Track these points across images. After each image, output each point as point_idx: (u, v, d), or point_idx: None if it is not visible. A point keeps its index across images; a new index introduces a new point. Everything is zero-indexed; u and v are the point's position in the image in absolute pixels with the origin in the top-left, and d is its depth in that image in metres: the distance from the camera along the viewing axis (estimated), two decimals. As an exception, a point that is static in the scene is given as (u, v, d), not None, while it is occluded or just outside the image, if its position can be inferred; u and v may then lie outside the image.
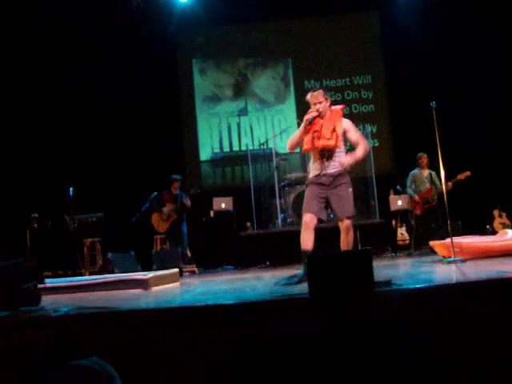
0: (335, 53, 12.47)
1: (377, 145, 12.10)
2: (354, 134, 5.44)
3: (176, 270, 6.85)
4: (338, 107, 5.53)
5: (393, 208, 9.84)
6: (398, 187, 10.22)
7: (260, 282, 5.72)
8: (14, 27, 10.37)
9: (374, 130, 12.17)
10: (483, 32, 10.62)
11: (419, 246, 9.04)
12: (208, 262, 9.87)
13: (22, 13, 10.32)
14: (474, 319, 3.46)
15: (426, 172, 9.20)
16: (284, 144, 5.80)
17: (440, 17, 10.95)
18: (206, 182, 12.42)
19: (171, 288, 6.05)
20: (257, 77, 12.76)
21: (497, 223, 10.11)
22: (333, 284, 3.56)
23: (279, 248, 8.65)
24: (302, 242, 5.25)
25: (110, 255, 8.20)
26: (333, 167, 5.34)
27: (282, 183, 9.66)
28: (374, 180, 10.15)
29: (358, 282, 3.57)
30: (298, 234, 5.39)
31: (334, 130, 5.27)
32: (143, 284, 5.77)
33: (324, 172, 5.33)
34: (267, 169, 10.59)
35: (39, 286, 4.61)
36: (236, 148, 12.45)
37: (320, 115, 5.35)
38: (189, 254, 9.68)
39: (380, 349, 3.30)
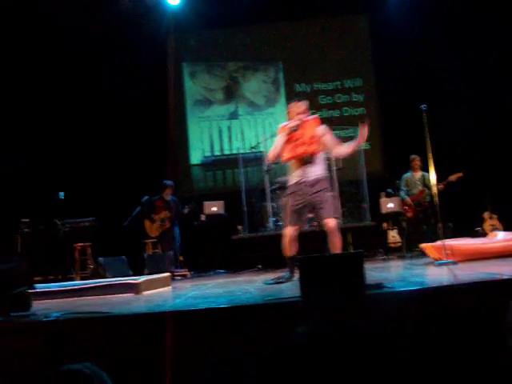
0: (326, 56, 12.48)
1: (368, 148, 12.12)
2: (330, 137, 5.74)
3: (168, 274, 6.84)
4: (313, 116, 5.78)
5: (384, 210, 9.85)
6: (389, 190, 10.25)
7: (252, 286, 5.71)
8: None
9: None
10: (473, 34, 10.66)
11: (411, 248, 9.06)
12: (200, 266, 9.86)
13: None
14: (465, 321, 3.46)
15: (419, 174, 9.23)
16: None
17: (429, 19, 10.98)
18: (197, 185, 12.40)
19: (163, 292, 6.04)
20: (247, 80, 12.76)
21: (487, 225, 10.14)
22: (324, 287, 3.56)
23: (271, 251, 8.63)
24: (285, 250, 5.59)
25: (101, 260, 8.18)
26: (313, 174, 5.57)
27: (273, 186, 9.66)
28: (366, 183, 10.18)
29: (349, 285, 3.57)
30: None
31: (313, 137, 5.55)
32: (135, 288, 5.75)
33: (305, 179, 5.55)
34: (258, 172, 10.59)
35: (30, 291, 4.58)
36: (227, 152, 12.44)
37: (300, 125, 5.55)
38: (180, 257, 9.66)
39: (371, 351, 3.30)
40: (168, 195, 9.61)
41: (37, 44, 10.86)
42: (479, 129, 10.54)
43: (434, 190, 6.73)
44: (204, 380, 3.43)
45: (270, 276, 6.38)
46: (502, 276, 4.05)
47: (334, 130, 10.62)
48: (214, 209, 10.00)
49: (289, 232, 5.57)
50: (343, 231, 9.03)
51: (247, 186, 10.52)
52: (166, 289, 6.34)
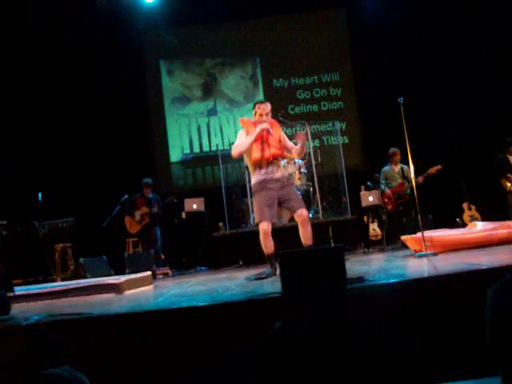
0: (303, 51, 12.49)
1: (347, 141, 12.17)
2: (288, 141, 5.98)
3: (149, 272, 6.82)
4: (273, 120, 5.99)
5: (364, 204, 9.88)
6: (369, 183, 10.29)
7: (234, 283, 5.71)
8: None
9: (344, 127, 12.23)
10: (450, 26, 10.74)
11: (391, 240, 9.11)
12: (181, 264, 9.84)
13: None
14: (446, 312, 3.49)
15: (398, 167, 9.27)
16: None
17: (406, 13, 11.03)
18: (176, 183, 12.36)
19: (144, 291, 6.02)
20: (225, 76, 12.73)
21: (466, 216, 10.23)
22: (305, 281, 3.57)
23: (252, 247, 8.61)
24: (264, 247, 5.68)
25: (81, 260, 8.12)
26: (278, 172, 5.78)
27: (253, 182, 9.65)
28: (345, 176, 10.23)
29: (330, 279, 3.58)
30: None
31: (280, 141, 5.79)
32: (116, 288, 5.72)
33: (271, 176, 5.72)
34: (238, 169, 10.58)
35: (8, 294, 4.54)
36: (206, 149, 12.41)
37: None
38: (162, 256, 9.63)
39: (354, 345, 3.32)
40: (148, 193, 9.59)
41: (14, 44, 10.74)
42: (457, 120, 10.62)
43: (413, 182, 6.77)
44: (188, 379, 3.42)
45: (252, 272, 6.40)
46: (481, 266, 4.08)
47: (312, 124, 10.74)
48: (195, 206, 9.96)
49: (263, 227, 5.63)
50: (324, 225, 9.14)
51: (227, 182, 10.52)
52: (147, 288, 6.32)
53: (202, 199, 10.06)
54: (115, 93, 10.95)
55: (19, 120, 10.84)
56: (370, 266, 6.37)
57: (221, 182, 10.51)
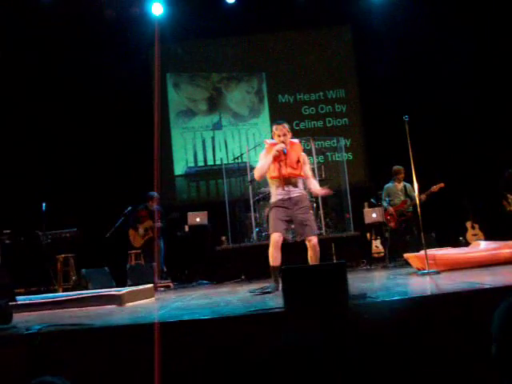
0: (309, 67, 12.54)
1: (351, 158, 12.18)
2: (308, 167, 6.04)
3: (151, 285, 6.80)
4: (296, 140, 6.08)
5: (367, 221, 9.89)
6: (373, 200, 10.30)
7: (235, 297, 5.70)
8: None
9: (348, 144, 12.26)
10: (456, 44, 10.76)
11: (394, 258, 9.09)
12: (183, 277, 9.83)
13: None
14: (448, 330, 3.48)
15: (401, 185, 9.27)
16: (258, 158, 6.00)
17: (412, 29, 11.08)
18: (180, 196, 12.38)
19: (146, 303, 6.00)
20: (231, 91, 12.78)
21: (470, 235, 10.22)
22: (308, 297, 3.56)
23: (254, 262, 8.62)
24: (271, 258, 5.71)
25: (83, 271, 8.12)
26: (296, 192, 5.83)
27: (257, 197, 9.67)
28: (349, 193, 10.22)
29: (332, 295, 3.58)
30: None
31: (298, 161, 5.82)
32: (117, 300, 5.71)
33: (288, 196, 5.79)
34: (242, 183, 10.59)
35: (11, 303, 4.53)
36: (211, 162, 12.44)
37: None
38: (165, 269, 9.62)
39: (355, 361, 3.30)
40: (152, 206, 9.60)
41: (18, 54, 10.81)
42: (461, 139, 10.64)
43: (417, 200, 6.77)
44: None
45: (254, 287, 6.39)
46: (484, 285, 4.07)
47: (317, 140, 10.76)
48: (198, 220, 9.97)
49: (274, 238, 5.70)
50: (327, 241, 9.13)
51: (231, 196, 10.53)
52: (149, 300, 6.30)
53: (205, 213, 10.07)
54: (121, 105, 11.01)
55: (25, 130, 10.89)
56: (373, 282, 6.36)
57: (224, 195, 10.51)
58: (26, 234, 9.67)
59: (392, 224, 9.18)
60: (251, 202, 9.66)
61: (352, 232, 9.79)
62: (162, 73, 12.59)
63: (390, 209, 9.18)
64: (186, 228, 10.28)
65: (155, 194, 9.66)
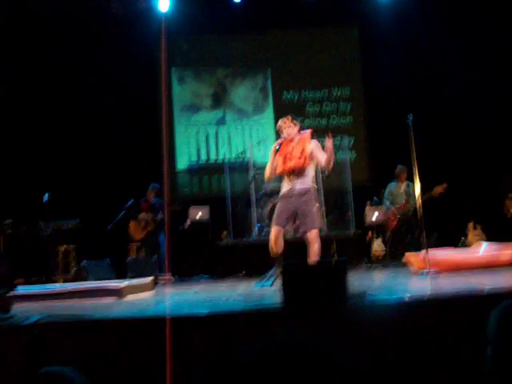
0: (314, 64, 12.50)
1: (354, 156, 12.16)
2: (319, 153, 6.04)
3: (151, 278, 6.81)
4: (307, 131, 6.20)
5: (369, 220, 9.87)
6: (375, 199, 10.28)
7: (235, 292, 5.71)
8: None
9: (352, 142, 12.23)
10: (462, 46, 10.74)
11: (395, 258, 9.08)
12: (183, 271, 9.82)
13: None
14: (447, 331, 3.48)
15: (404, 185, 9.25)
16: (262, 154, 6.20)
17: (419, 30, 11.05)
18: (182, 191, 12.36)
19: (146, 297, 6.01)
20: (236, 87, 12.75)
21: (471, 236, 10.18)
22: (307, 295, 3.56)
23: (255, 258, 8.62)
24: (271, 249, 5.92)
25: (84, 263, 8.13)
26: (302, 184, 5.98)
27: (259, 193, 9.66)
28: (351, 191, 10.21)
29: (332, 294, 3.58)
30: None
31: (303, 151, 5.95)
32: (117, 293, 5.71)
33: (294, 187, 5.97)
34: (244, 179, 10.58)
35: (10, 293, 4.54)
36: (214, 157, 12.42)
37: (289, 139, 6.05)
38: (165, 262, 9.61)
39: (353, 361, 3.30)
40: (151, 198, 9.60)
41: (25, 49, 10.81)
42: (465, 139, 10.62)
43: (419, 200, 6.76)
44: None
45: (254, 283, 6.40)
46: (484, 287, 4.07)
47: (320, 138, 10.75)
48: (199, 214, 9.96)
49: (274, 231, 5.93)
50: (328, 240, 9.12)
51: (233, 192, 10.51)
52: (149, 293, 6.31)
53: (207, 208, 10.06)
54: (125, 98, 11.01)
55: (29, 121, 10.90)
56: (373, 282, 6.36)
57: (227, 191, 10.51)
58: (28, 224, 9.68)
59: (393, 224, 9.18)
60: (253, 197, 9.65)
61: (353, 231, 9.78)
62: (167, 67, 12.56)
63: (392, 208, 9.17)
64: (188, 222, 10.27)
65: (156, 185, 9.66)
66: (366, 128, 12.36)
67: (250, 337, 3.39)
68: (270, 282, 5.90)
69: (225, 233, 10.17)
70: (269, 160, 6.22)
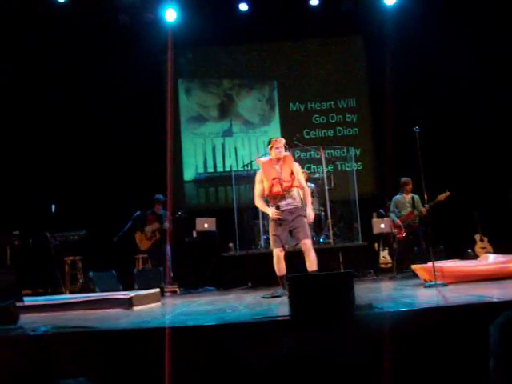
0: (320, 76, 12.53)
1: (360, 168, 12.16)
2: (301, 177, 6.56)
3: (157, 289, 6.81)
4: (288, 153, 6.73)
5: (375, 231, 9.85)
6: (381, 210, 10.26)
7: (241, 304, 5.70)
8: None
9: (358, 154, 12.23)
10: (469, 56, 10.73)
11: (401, 269, 9.05)
12: (190, 283, 9.81)
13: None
14: (454, 343, 3.46)
15: (409, 196, 9.24)
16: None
17: (424, 41, 11.06)
18: (189, 202, 12.37)
19: (152, 308, 6.01)
20: (242, 98, 12.79)
21: (478, 247, 10.16)
22: (314, 306, 3.56)
23: (261, 269, 8.61)
24: (277, 269, 6.26)
25: (91, 274, 8.13)
26: (291, 203, 6.35)
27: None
28: (357, 203, 10.20)
29: (339, 305, 3.57)
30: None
31: (291, 173, 6.38)
32: (124, 303, 5.73)
33: (284, 208, 6.31)
34: (251, 190, 10.57)
35: (18, 304, 4.55)
36: (220, 169, 12.44)
37: (276, 158, 6.46)
38: (171, 274, 9.61)
39: (360, 371, 3.29)
40: (159, 210, 9.62)
41: (31, 58, 10.88)
42: (471, 150, 10.61)
43: (424, 211, 6.77)
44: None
45: (260, 294, 6.42)
46: (492, 299, 4.06)
47: (327, 149, 10.78)
48: (206, 225, 9.96)
49: (275, 253, 6.25)
50: (334, 251, 9.12)
51: (239, 203, 10.52)
52: (155, 304, 6.32)
53: (213, 219, 10.07)
54: (132, 109, 11.06)
55: (36, 131, 10.94)
56: (380, 293, 6.34)
57: (233, 202, 10.52)
58: (35, 235, 9.71)
59: (399, 235, 9.16)
60: (260, 209, 9.65)
61: (360, 242, 9.76)
62: (174, 78, 12.60)
63: (397, 220, 9.16)
64: (194, 233, 10.28)
65: (161, 197, 9.67)
66: (373, 139, 12.36)
67: (257, 347, 3.39)
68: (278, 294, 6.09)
69: (231, 244, 10.18)
70: (259, 178, 6.54)
